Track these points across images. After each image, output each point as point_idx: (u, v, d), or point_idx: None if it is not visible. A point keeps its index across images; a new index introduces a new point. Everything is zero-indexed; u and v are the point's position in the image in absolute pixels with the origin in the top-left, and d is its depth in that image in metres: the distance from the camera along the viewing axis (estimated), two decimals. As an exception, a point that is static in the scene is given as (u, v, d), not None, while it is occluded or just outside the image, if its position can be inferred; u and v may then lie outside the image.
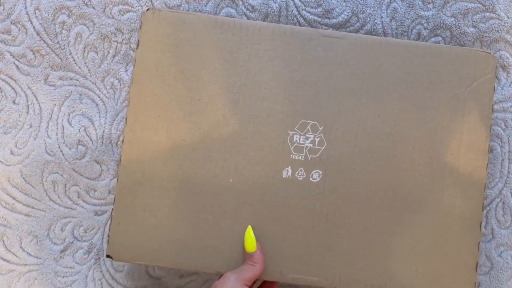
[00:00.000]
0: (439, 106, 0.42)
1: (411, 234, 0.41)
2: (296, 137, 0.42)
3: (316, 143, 0.42)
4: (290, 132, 0.42)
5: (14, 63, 0.50)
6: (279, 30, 0.42)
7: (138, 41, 0.43)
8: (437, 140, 0.42)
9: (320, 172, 0.41)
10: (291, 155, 0.42)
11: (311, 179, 0.41)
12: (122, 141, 0.42)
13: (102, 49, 0.50)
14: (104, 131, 0.49)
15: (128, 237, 0.42)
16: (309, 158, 0.41)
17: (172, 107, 0.42)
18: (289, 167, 0.41)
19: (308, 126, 0.42)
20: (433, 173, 0.41)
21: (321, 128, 0.42)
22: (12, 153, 0.50)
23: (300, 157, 0.41)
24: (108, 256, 0.42)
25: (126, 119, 0.42)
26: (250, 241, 0.39)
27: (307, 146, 0.42)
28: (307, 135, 0.42)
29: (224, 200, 0.41)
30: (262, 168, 0.41)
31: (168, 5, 0.49)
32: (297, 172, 0.41)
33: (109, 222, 0.45)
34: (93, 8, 0.49)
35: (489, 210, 0.48)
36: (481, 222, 0.41)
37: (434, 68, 0.42)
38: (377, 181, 0.41)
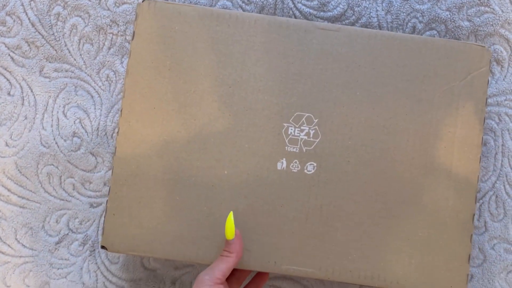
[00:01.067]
0: (434, 99, 0.42)
1: (405, 226, 0.41)
2: (291, 129, 0.42)
3: (311, 136, 0.42)
4: (285, 124, 0.42)
5: (9, 54, 0.50)
6: (275, 23, 0.42)
7: (134, 32, 0.42)
8: (431, 133, 0.42)
9: (315, 164, 0.41)
10: (286, 147, 0.42)
11: (305, 171, 0.41)
12: (117, 132, 0.42)
13: (98, 41, 0.49)
14: (99, 123, 0.49)
15: (123, 229, 0.42)
16: (304, 150, 0.42)
17: (167, 99, 0.42)
18: (284, 159, 0.42)
19: (303, 119, 0.42)
20: (426, 165, 0.42)
21: (316, 120, 0.42)
22: (7, 144, 0.49)
23: (295, 149, 0.42)
24: (102, 247, 0.42)
25: (121, 111, 0.42)
26: (230, 228, 0.38)
27: (302, 138, 0.42)
28: (302, 127, 0.42)
29: (219, 192, 0.41)
30: (257, 160, 0.42)
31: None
32: (292, 164, 0.41)
33: (104, 214, 0.45)
34: (89, -1, 0.49)
35: (482, 203, 0.48)
36: (474, 215, 0.41)
37: (429, 61, 0.42)
38: (371, 174, 0.41)
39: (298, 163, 0.42)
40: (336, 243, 0.41)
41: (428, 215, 0.41)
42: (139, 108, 0.42)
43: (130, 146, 0.42)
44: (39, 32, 0.49)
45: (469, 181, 0.42)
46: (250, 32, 0.42)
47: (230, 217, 0.38)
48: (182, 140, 0.42)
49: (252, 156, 0.42)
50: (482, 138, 0.42)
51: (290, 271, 0.41)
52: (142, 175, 0.42)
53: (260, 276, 0.44)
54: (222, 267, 0.37)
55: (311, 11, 0.49)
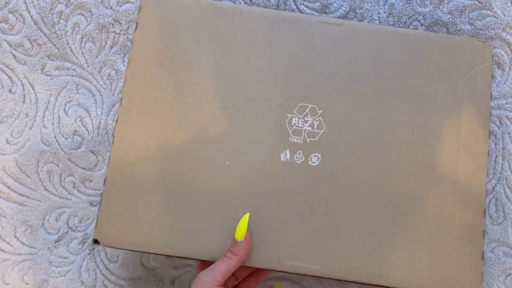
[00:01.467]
0: (437, 93, 0.41)
1: (412, 221, 0.40)
2: (295, 120, 0.41)
3: (315, 127, 0.41)
4: (288, 115, 0.41)
5: (11, 52, 0.50)
6: (278, 16, 0.42)
7: (137, 23, 0.42)
8: (436, 126, 0.41)
9: (319, 156, 0.41)
10: (290, 138, 0.41)
11: (310, 162, 0.41)
12: (116, 121, 0.41)
13: (100, 40, 0.50)
14: (100, 121, 0.49)
15: (117, 221, 0.40)
16: (308, 141, 0.41)
17: (169, 88, 0.41)
18: (288, 150, 0.41)
19: (307, 110, 0.41)
20: (433, 159, 0.41)
21: (320, 111, 0.41)
22: (7, 142, 0.49)
23: (298, 140, 0.41)
24: (95, 241, 0.40)
25: (121, 100, 0.41)
26: (242, 229, 0.37)
27: (306, 129, 0.41)
28: (305, 118, 0.41)
29: (219, 183, 0.40)
30: (259, 151, 0.41)
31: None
32: (296, 155, 0.41)
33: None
34: (91, -2, 0.50)
35: (482, 206, 0.48)
36: (485, 210, 0.40)
37: (432, 56, 0.42)
38: (377, 167, 0.40)
39: (302, 154, 0.41)
40: (342, 239, 0.40)
41: (436, 210, 0.40)
42: (139, 97, 0.41)
43: (129, 135, 0.41)
44: (41, 30, 0.49)
45: (477, 175, 0.40)
46: (254, 26, 0.42)
47: (246, 218, 0.38)
48: (183, 131, 0.41)
49: (255, 147, 0.41)
50: (489, 131, 0.41)
51: (294, 267, 0.39)
52: (140, 165, 0.40)
53: (258, 272, 0.43)
54: (223, 269, 0.36)
55: (313, 12, 0.49)
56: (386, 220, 0.40)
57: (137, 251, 0.40)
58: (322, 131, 0.41)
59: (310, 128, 0.41)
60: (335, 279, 0.39)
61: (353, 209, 0.40)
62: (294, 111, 0.41)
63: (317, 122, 0.41)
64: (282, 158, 0.41)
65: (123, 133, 0.41)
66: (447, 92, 0.42)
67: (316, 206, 0.40)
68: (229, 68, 0.41)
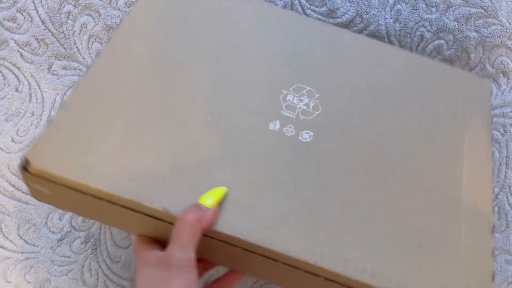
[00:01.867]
0: (439, 103, 0.41)
1: (413, 216, 0.35)
2: (290, 96, 0.38)
3: (311, 107, 0.38)
4: (284, 91, 0.38)
5: (18, 51, 0.50)
6: (286, 14, 0.44)
7: None
8: (439, 129, 0.39)
9: (312, 134, 0.37)
10: (282, 112, 0.37)
11: (300, 138, 0.36)
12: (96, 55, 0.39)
13: (107, 40, 0.50)
14: (105, 121, 0.50)
15: (62, 145, 0.32)
16: (301, 118, 0.37)
17: (165, 45, 0.39)
18: (278, 121, 0.37)
19: (304, 91, 0.39)
20: (435, 158, 0.38)
21: (318, 95, 0.39)
22: (13, 140, 0.50)
23: (291, 115, 0.37)
24: (24, 166, 0.31)
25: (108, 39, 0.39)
26: (215, 197, 0.31)
27: (300, 108, 0.38)
28: (301, 98, 0.38)
29: (195, 135, 0.35)
30: (246, 115, 0.37)
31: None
32: (286, 128, 0.37)
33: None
34: (99, -1, 0.50)
35: (485, 213, 0.48)
36: (493, 207, 0.38)
37: (432, 76, 0.42)
38: (374, 155, 0.37)
39: (293, 128, 0.37)
40: (328, 221, 0.33)
41: (441, 204, 0.36)
42: (130, 48, 0.38)
43: (114, 57, 0.37)
44: (49, 30, 0.50)
45: (483, 169, 0.38)
46: (261, 15, 0.42)
47: (222, 191, 0.32)
48: (173, 85, 0.37)
49: (242, 110, 0.37)
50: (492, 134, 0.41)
51: (265, 242, 0.31)
52: (112, 96, 0.36)
53: (233, 274, 0.38)
54: (191, 241, 0.29)
55: (320, 17, 0.49)
56: (381, 211, 0.35)
57: (72, 188, 0.32)
58: (317, 112, 0.38)
59: (305, 107, 0.38)
60: (314, 273, 0.32)
61: (344, 193, 0.35)
62: (290, 89, 0.38)
63: (313, 103, 0.38)
64: (271, 127, 0.37)
65: (109, 56, 0.38)
66: (448, 104, 0.41)
67: (302, 182, 0.35)
68: (229, 40, 0.41)
